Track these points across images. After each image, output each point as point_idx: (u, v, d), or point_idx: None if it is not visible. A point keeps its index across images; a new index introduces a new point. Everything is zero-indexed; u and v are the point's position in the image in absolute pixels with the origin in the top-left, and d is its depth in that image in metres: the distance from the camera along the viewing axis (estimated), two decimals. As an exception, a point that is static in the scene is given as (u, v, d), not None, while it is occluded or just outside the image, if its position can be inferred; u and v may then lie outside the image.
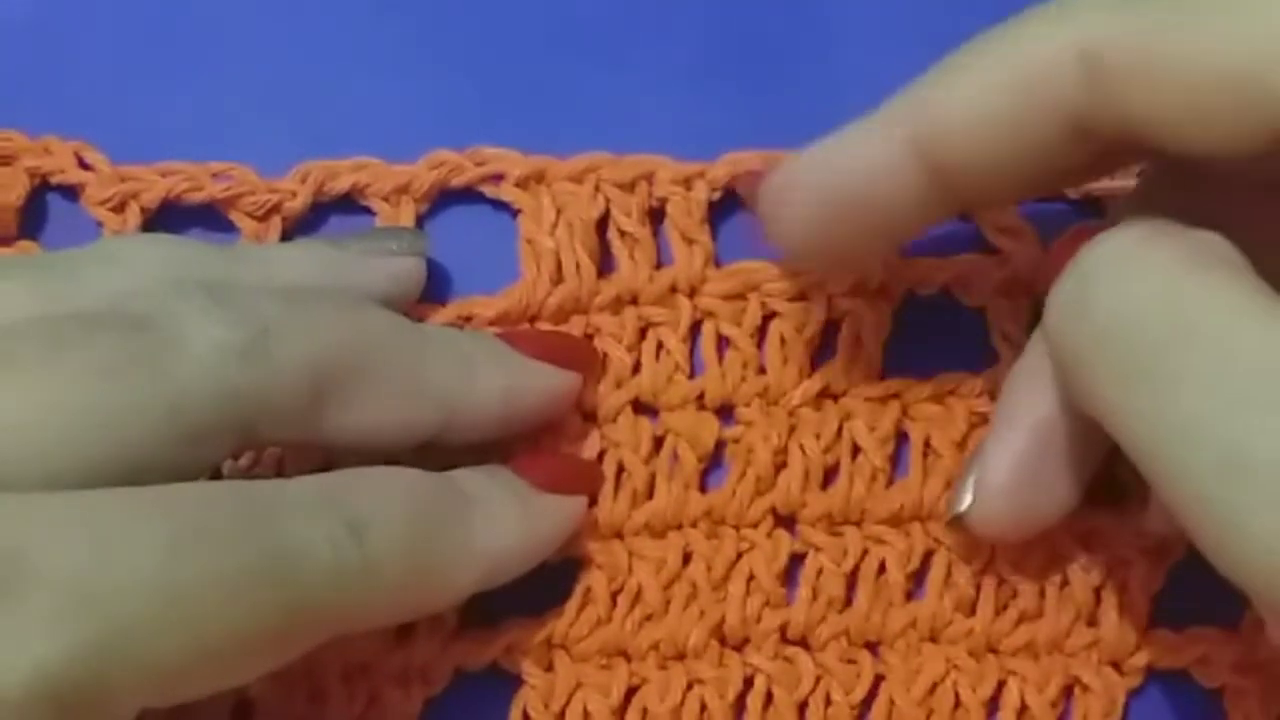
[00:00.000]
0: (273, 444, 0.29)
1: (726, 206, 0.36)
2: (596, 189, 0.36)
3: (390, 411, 0.31)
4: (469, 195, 0.37)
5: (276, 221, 0.36)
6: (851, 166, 0.28)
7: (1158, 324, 0.25)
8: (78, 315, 0.27)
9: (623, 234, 0.36)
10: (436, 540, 0.29)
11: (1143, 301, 0.25)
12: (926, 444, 0.35)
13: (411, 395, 0.31)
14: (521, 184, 0.36)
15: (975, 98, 0.26)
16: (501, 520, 0.31)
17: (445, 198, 0.37)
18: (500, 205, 0.36)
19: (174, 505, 0.25)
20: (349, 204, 0.36)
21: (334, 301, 0.31)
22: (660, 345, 0.35)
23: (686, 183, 0.36)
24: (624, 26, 0.38)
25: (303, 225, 0.36)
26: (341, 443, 0.30)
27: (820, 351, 0.36)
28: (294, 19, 0.38)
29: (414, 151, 0.36)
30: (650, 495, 0.35)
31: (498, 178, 0.36)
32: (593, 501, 0.34)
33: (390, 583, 0.28)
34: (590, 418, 0.35)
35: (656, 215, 0.36)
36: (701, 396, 0.35)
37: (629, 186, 0.36)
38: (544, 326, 0.35)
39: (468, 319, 0.35)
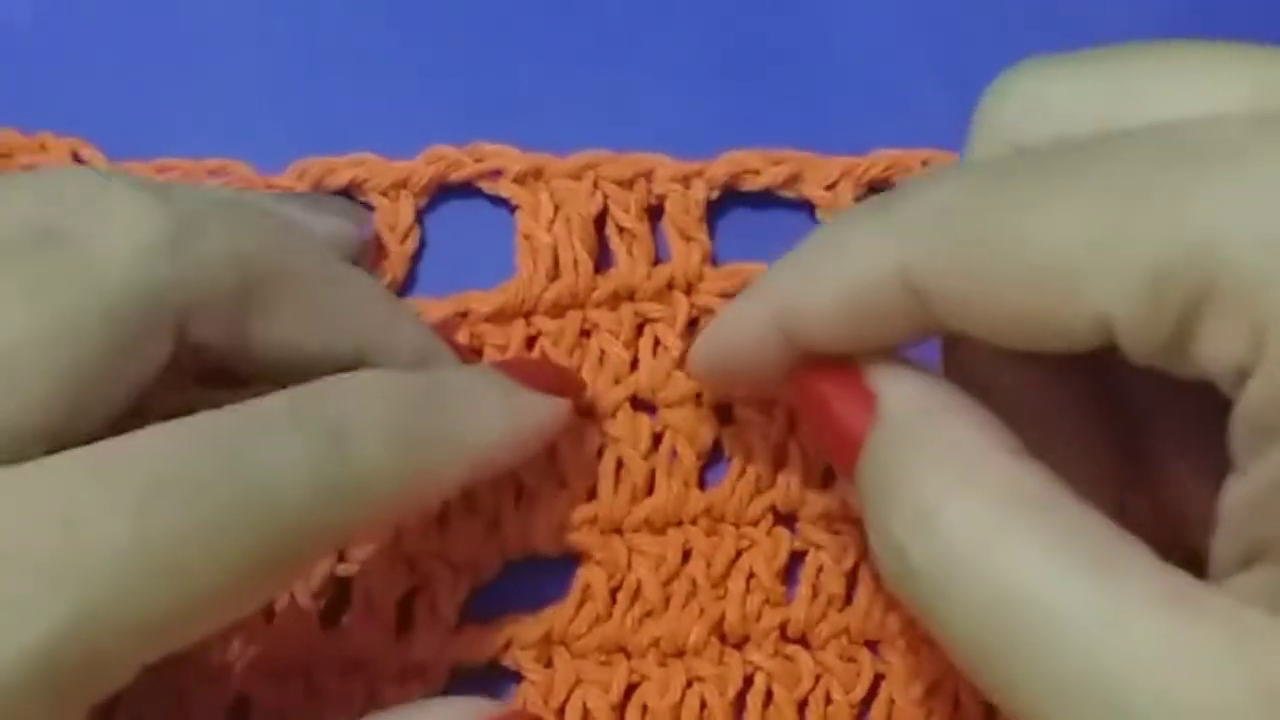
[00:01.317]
0: (200, 348, 0.28)
1: (725, 205, 0.36)
2: (595, 186, 0.36)
3: (313, 330, 0.30)
4: (467, 191, 0.36)
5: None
6: (731, 342, 0.29)
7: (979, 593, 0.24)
8: None
9: (621, 230, 0.36)
10: (421, 435, 0.29)
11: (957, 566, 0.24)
12: (926, 441, 0.35)
13: (333, 317, 0.30)
14: (520, 180, 0.36)
15: (818, 302, 0.27)
16: (486, 410, 0.31)
17: (443, 193, 0.36)
18: (498, 201, 0.36)
19: (137, 459, 0.25)
20: (347, 199, 0.36)
21: (261, 209, 0.30)
22: (657, 341, 0.35)
23: (685, 180, 0.36)
24: (623, 25, 0.38)
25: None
26: (265, 359, 0.30)
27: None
28: (291, 15, 0.38)
29: (412, 149, 0.36)
30: (650, 491, 0.35)
31: (496, 173, 0.36)
32: (576, 399, 0.34)
33: (379, 487, 0.27)
34: (588, 414, 0.35)
35: (655, 213, 0.36)
36: (700, 396, 0.35)
37: (628, 184, 0.36)
38: (539, 320, 0.35)
39: (464, 314, 0.35)
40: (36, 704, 0.23)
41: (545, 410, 0.32)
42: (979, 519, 0.24)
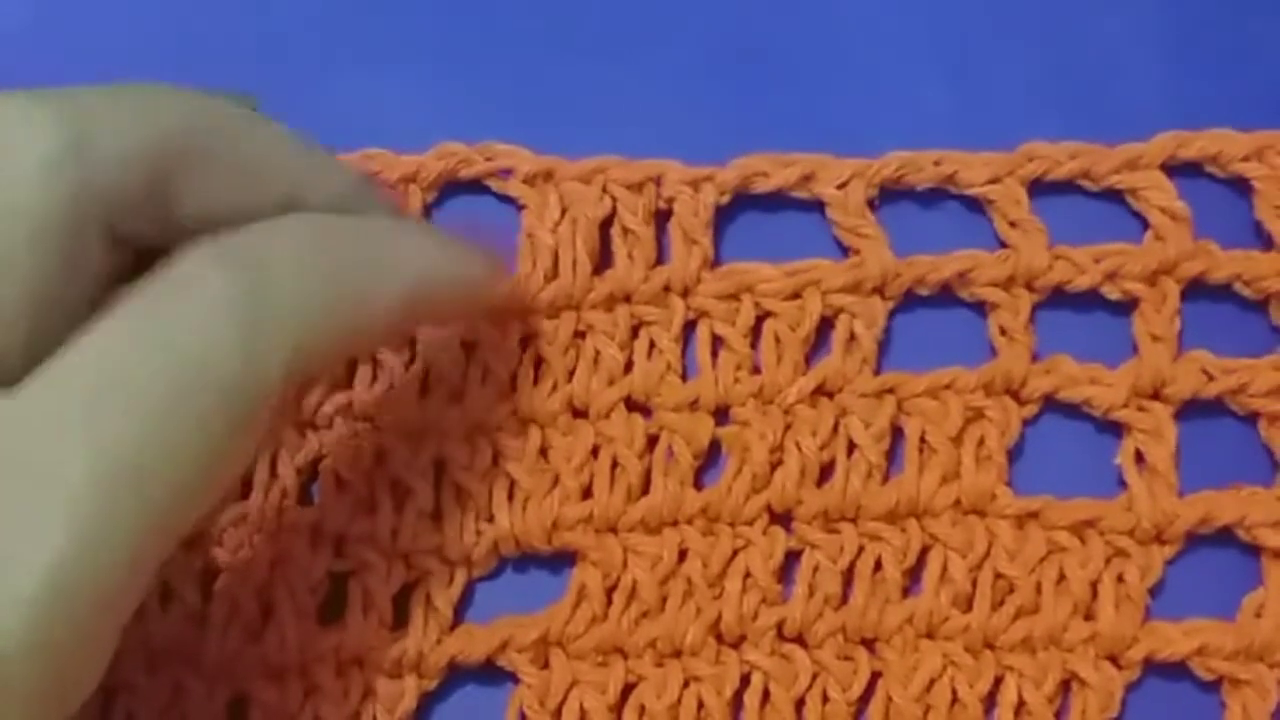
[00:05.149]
0: (137, 240, 0.28)
1: (734, 212, 0.36)
2: (604, 190, 0.36)
3: (237, 189, 0.29)
4: (476, 189, 0.37)
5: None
6: None
7: None
8: None
9: (625, 232, 0.36)
10: (347, 259, 0.28)
11: None
12: (922, 439, 0.35)
13: (255, 172, 0.30)
14: (529, 181, 0.36)
15: None
16: (418, 240, 0.30)
17: (452, 191, 0.37)
18: (507, 200, 0.36)
19: (73, 377, 0.25)
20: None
21: (163, 90, 0.29)
22: (652, 344, 0.35)
23: (695, 185, 0.36)
24: (633, 28, 0.39)
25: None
26: (197, 228, 0.29)
27: (815, 349, 0.36)
28: (304, 12, 0.38)
29: (423, 146, 0.37)
30: (645, 491, 0.35)
31: (506, 173, 0.36)
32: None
33: (309, 314, 0.27)
34: (582, 414, 0.35)
35: (665, 217, 0.36)
36: (696, 401, 0.35)
37: (637, 187, 0.36)
38: (534, 320, 0.35)
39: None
40: (58, 651, 0.24)
41: (479, 264, 0.32)
42: None
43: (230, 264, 0.27)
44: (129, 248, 0.28)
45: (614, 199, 0.36)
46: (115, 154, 0.27)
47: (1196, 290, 0.36)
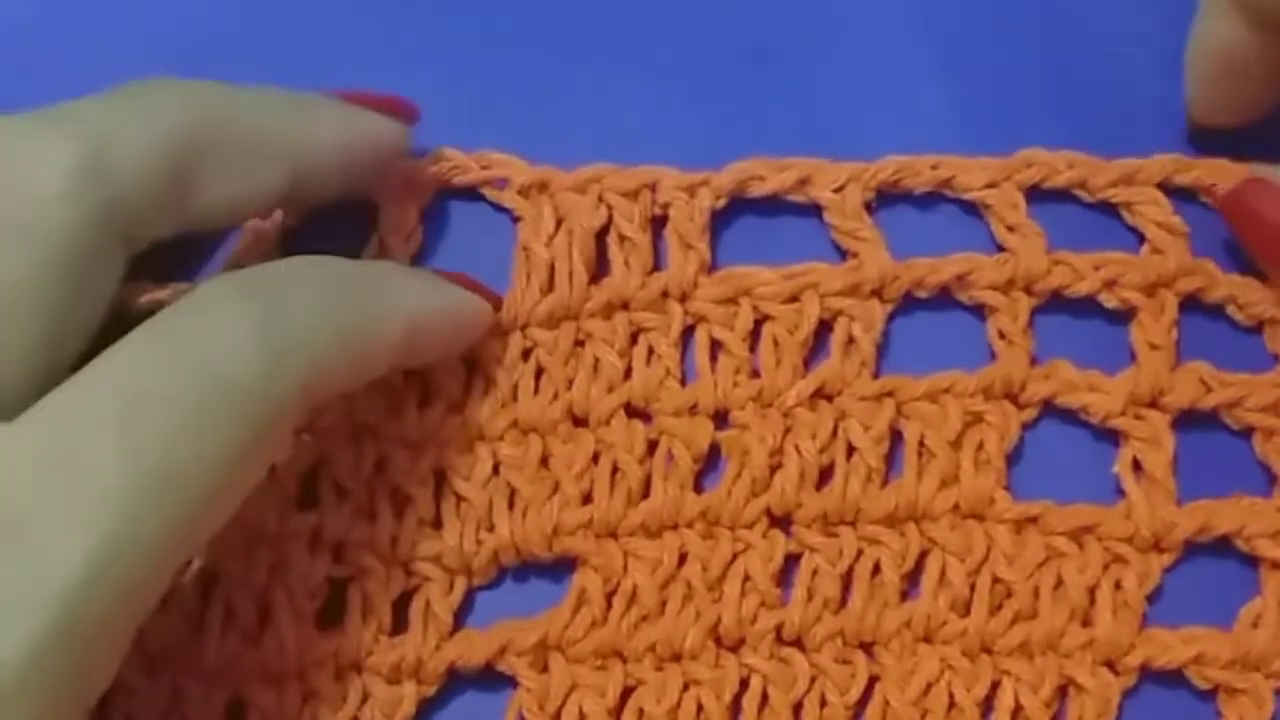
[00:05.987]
0: (152, 239, 0.30)
1: (730, 216, 0.36)
2: (600, 199, 0.36)
3: (246, 176, 0.31)
4: (468, 196, 0.37)
5: (278, 216, 0.36)
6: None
7: None
8: None
9: (622, 239, 0.36)
10: (354, 291, 0.30)
11: None
12: (921, 443, 0.35)
13: (259, 155, 0.31)
14: (524, 192, 0.36)
15: None
16: (414, 283, 0.32)
17: (446, 198, 0.37)
18: (501, 209, 0.36)
19: (107, 387, 0.26)
20: (349, 198, 0.36)
21: (161, 87, 0.31)
22: (651, 350, 0.35)
23: (690, 190, 0.36)
24: (629, 31, 0.39)
25: (307, 220, 0.36)
26: (210, 223, 0.31)
27: (814, 353, 0.36)
28: (299, 17, 0.38)
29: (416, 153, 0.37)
30: (645, 495, 0.35)
31: (501, 182, 0.36)
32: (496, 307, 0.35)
33: (322, 342, 0.29)
34: (582, 422, 0.35)
35: (660, 223, 0.36)
36: (695, 405, 0.35)
37: (632, 195, 0.36)
38: (534, 333, 0.35)
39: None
40: (85, 644, 0.25)
41: (471, 302, 0.34)
42: None
43: (248, 293, 0.28)
44: (140, 246, 0.30)
45: (609, 207, 0.36)
46: (132, 166, 0.29)
47: (1192, 307, 0.36)
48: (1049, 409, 0.36)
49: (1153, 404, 0.35)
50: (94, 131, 0.28)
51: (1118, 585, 0.34)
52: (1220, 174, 0.36)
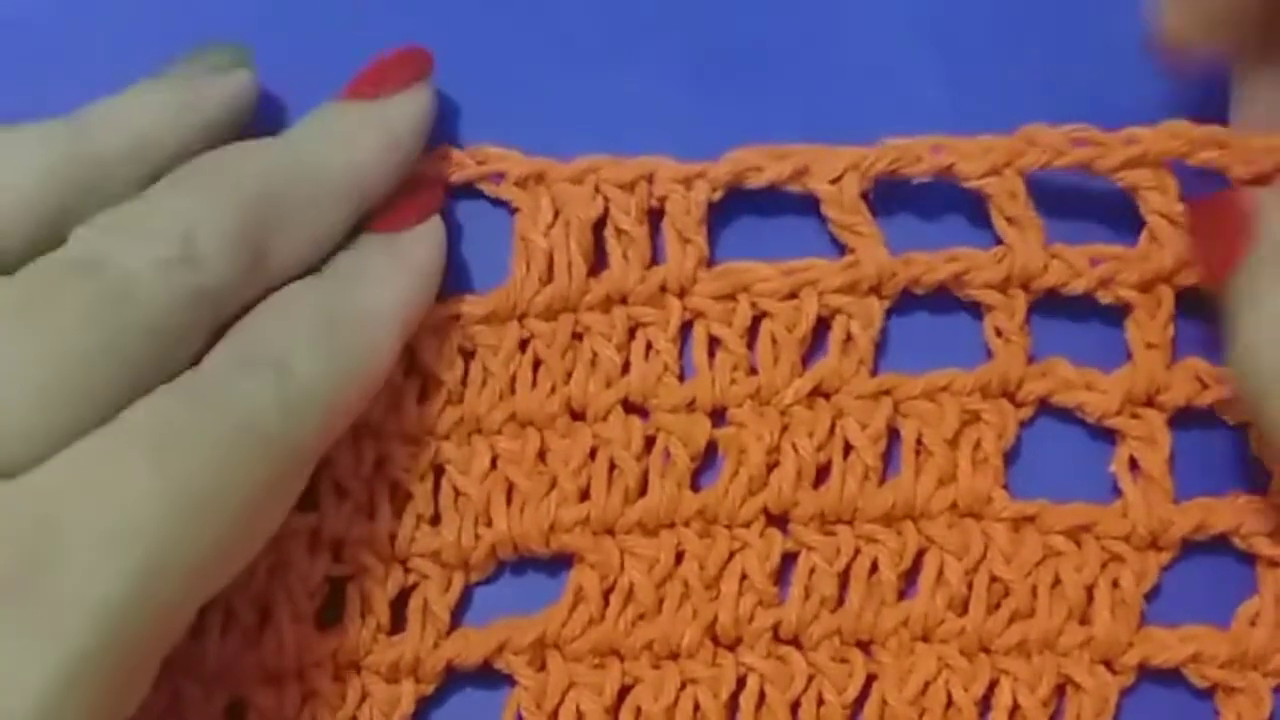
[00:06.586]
0: (238, 310, 0.31)
1: (727, 208, 0.36)
2: (596, 190, 0.36)
3: (316, 224, 0.33)
4: (467, 192, 0.36)
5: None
6: None
7: None
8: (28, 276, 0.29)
9: (619, 233, 0.36)
10: (344, 332, 0.31)
11: None
12: (918, 441, 0.35)
13: (324, 201, 0.33)
14: (521, 184, 0.36)
15: None
16: (383, 278, 0.33)
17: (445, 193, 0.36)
18: (498, 202, 0.36)
19: (141, 425, 0.28)
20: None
21: (227, 161, 0.32)
22: (649, 345, 0.35)
23: (687, 182, 0.36)
24: (625, 26, 0.38)
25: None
26: (290, 275, 0.32)
27: (812, 350, 0.36)
28: (293, 15, 0.38)
29: None
30: (643, 493, 0.35)
31: (498, 176, 0.36)
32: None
33: (327, 384, 0.31)
34: (579, 416, 0.35)
35: (657, 216, 0.36)
36: (693, 402, 0.35)
37: (629, 186, 0.36)
38: (532, 323, 0.35)
39: (456, 317, 0.35)
40: (120, 667, 0.26)
41: (424, 246, 0.34)
42: None
43: (251, 367, 0.30)
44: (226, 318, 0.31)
45: (606, 199, 0.36)
46: (220, 251, 0.30)
47: (1191, 297, 0.35)
48: (1046, 407, 0.36)
49: (1149, 403, 0.35)
50: (178, 223, 0.30)
51: (1115, 584, 0.34)
52: (1230, 148, 0.35)
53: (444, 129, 0.36)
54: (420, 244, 0.34)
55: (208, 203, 0.31)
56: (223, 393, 0.29)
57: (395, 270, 0.33)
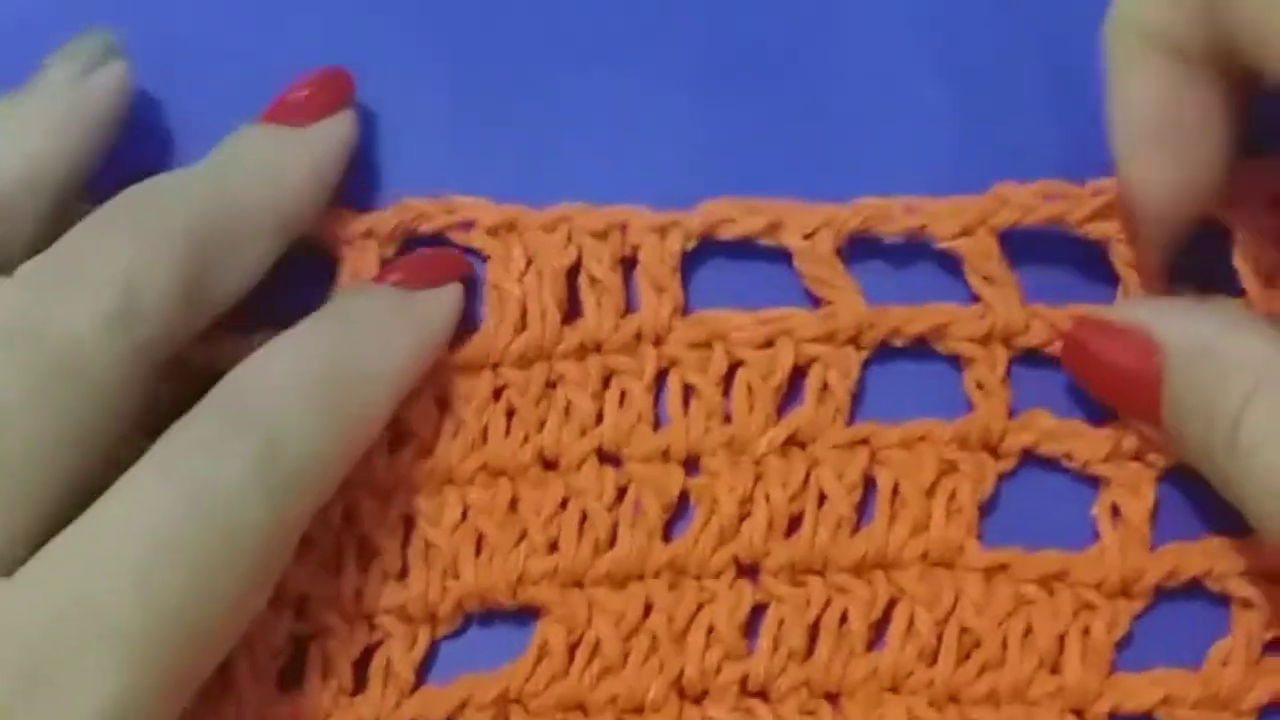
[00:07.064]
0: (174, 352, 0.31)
1: (702, 255, 0.36)
2: (569, 238, 0.35)
3: (245, 255, 0.32)
4: (437, 239, 0.36)
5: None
6: None
7: None
8: None
9: (592, 281, 0.35)
10: (341, 394, 0.31)
11: None
12: (894, 490, 0.35)
13: (252, 232, 0.32)
14: (492, 232, 0.35)
15: None
16: (390, 336, 0.33)
17: (413, 241, 0.36)
18: (469, 251, 0.36)
19: (127, 535, 0.27)
20: (310, 248, 0.35)
21: (145, 200, 0.31)
22: (624, 394, 0.35)
23: (661, 231, 0.35)
24: (620, 36, 0.38)
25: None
26: (221, 311, 0.32)
27: (787, 399, 0.35)
28: (295, 16, 0.38)
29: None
30: (612, 544, 0.35)
31: (468, 224, 0.36)
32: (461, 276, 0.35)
33: (321, 458, 0.30)
34: (552, 466, 0.35)
35: (631, 264, 0.36)
36: (667, 451, 0.35)
37: (602, 235, 0.35)
38: (506, 372, 0.35)
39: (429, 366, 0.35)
40: None
41: (442, 305, 0.34)
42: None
43: (243, 429, 0.29)
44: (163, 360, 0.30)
45: (579, 247, 0.35)
46: (158, 302, 0.29)
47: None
48: (1028, 457, 0.35)
49: (1136, 458, 0.35)
50: (116, 277, 0.29)
51: (1086, 632, 0.34)
52: None
53: (410, 169, 0.37)
54: (435, 306, 0.34)
55: (142, 245, 0.30)
56: (208, 485, 0.28)
57: (404, 330, 0.33)
